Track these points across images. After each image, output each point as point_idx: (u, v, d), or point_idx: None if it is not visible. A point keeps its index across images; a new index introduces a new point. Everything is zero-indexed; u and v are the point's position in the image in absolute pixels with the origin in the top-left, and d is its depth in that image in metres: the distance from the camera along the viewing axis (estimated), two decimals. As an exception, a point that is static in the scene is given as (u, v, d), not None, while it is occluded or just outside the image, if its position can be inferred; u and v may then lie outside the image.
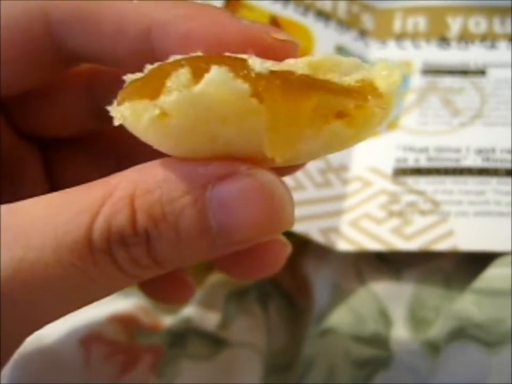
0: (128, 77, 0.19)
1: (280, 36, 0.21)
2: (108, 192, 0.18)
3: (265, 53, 0.19)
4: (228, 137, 0.18)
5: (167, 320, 0.32)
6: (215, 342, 0.31)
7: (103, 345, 0.30)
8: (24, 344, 0.29)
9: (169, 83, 0.17)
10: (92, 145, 0.28)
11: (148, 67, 0.19)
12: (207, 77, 0.16)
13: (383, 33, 0.43)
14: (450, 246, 0.32)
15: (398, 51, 0.42)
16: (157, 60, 0.20)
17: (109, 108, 0.18)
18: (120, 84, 0.19)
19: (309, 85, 0.18)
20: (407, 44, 0.42)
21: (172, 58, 0.19)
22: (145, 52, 0.22)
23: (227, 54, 0.19)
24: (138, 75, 0.19)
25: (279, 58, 0.19)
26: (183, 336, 0.31)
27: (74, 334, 0.30)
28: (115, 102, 0.18)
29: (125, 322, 0.31)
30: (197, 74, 0.16)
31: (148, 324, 0.32)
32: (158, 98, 0.17)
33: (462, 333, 0.28)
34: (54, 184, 0.28)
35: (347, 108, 0.18)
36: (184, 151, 0.18)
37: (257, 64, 0.17)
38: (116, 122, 0.18)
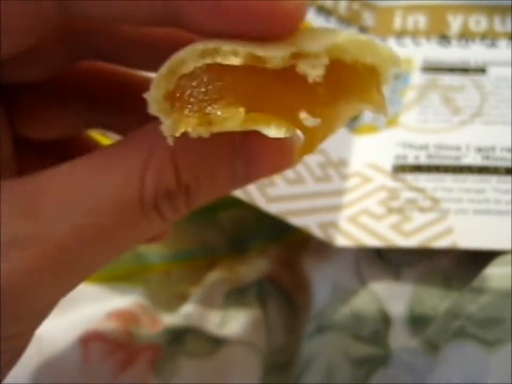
0: (155, 77, 0.19)
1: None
2: (148, 154, 0.20)
3: (286, 20, 0.19)
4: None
5: (166, 318, 0.32)
6: (214, 340, 0.31)
7: (101, 343, 0.30)
8: None
9: (221, 116, 0.18)
10: (59, 89, 0.26)
11: (172, 58, 0.18)
12: (267, 131, 0.18)
13: (383, 30, 0.43)
14: (449, 244, 0.32)
15: (398, 48, 0.42)
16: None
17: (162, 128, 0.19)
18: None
19: (334, 93, 0.19)
20: (407, 41, 0.42)
21: (198, 46, 0.18)
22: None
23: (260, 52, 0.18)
24: (164, 71, 0.18)
25: (292, 23, 0.19)
26: (182, 334, 0.31)
27: (73, 331, 0.30)
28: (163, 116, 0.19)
29: (123, 320, 0.31)
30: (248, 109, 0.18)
31: (146, 322, 0.32)
32: (209, 125, 0.18)
33: (461, 331, 0.28)
34: (20, 133, 0.26)
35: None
36: None
37: (308, 122, 0.18)
38: (171, 142, 0.19)
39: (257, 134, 0.19)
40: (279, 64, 0.18)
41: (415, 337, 0.30)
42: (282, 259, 0.35)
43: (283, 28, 0.19)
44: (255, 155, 0.21)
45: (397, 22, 0.43)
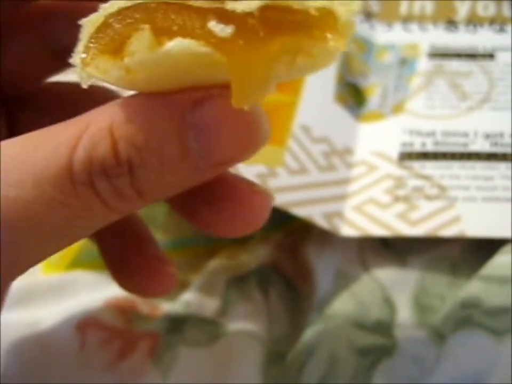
0: (84, 22, 0.18)
1: None
2: (85, 126, 0.18)
3: None
4: (196, 79, 0.18)
5: (165, 306, 0.31)
6: (214, 328, 0.30)
7: (99, 330, 0.30)
8: (20, 329, 0.29)
9: (131, 46, 0.17)
10: (53, 103, 0.27)
11: (102, 7, 0.18)
12: (169, 44, 0.17)
13: (389, 16, 0.43)
14: (457, 232, 0.31)
15: (404, 34, 0.41)
16: None
17: (75, 71, 0.18)
18: (75, 19, 0.18)
19: (270, 29, 0.18)
20: (414, 26, 0.42)
21: None
22: None
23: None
24: (94, 18, 0.18)
25: None
26: (181, 322, 0.30)
27: (70, 319, 0.30)
28: (77, 64, 0.18)
29: (122, 307, 0.31)
30: (159, 34, 0.17)
31: (145, 309, 0.31)
32: (122, 59, 0.17)
33: (469, 320, 0.28)
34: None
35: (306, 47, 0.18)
36: (155, 90, 0.19)
37: (217, 29, 0.17)
38: (84, 85, 0.18)
39: (209, 100, 0.18)
40: (202, 3, 0.17)
41: (421, 326, 0.30)
42: (284, 246, 0.34)
43: None
44: (208, 125, 0.18)
45: (403, 7, 0.43)
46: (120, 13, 0.18)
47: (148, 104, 0.18)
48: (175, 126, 0.18)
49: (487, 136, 0.35)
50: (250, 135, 0.19)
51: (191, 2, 0.18)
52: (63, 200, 0.18)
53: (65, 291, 0.31)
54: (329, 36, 0.18)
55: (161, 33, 0.17)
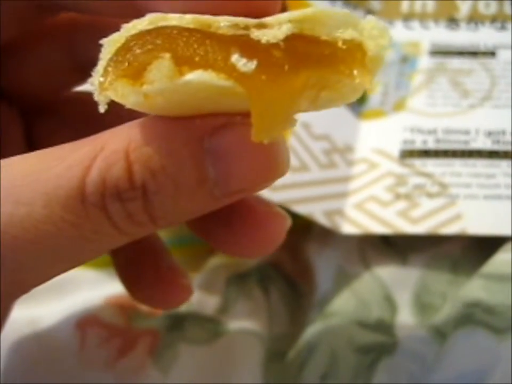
0: (105, 42, 0.18)
1: None
2: (100, 147, 0.18)
3: None
4: (216, 106, 0.18)
5: (166, 304, 0.31)
6: (214, 326, 0.30)
7: (99, 328, 0.30)
8: (20, 328, 0.29)
9: (150, 74, 0.16)
10: (74, 115, 0.27)
11: (125, 27, 0.18)
12: (189, 75, 0.16)
13: (390, 13, 0.42)
14: (458, 230, 0.31)
15: (405, 31, 0.41)
16: (134, 5, 0.20)
17: (94, 95, 0.18)
18: (101, 35, 0.18)
19: (296, 62, 0.17)
20: (415, 24, 0.42)
21: (148, 16, 0.17)
22: None
23: (202, 17, 0.17)
24: (116, 37, 0.18)
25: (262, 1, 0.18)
26: (181, 320, 0.30)
27: (70, 317, 0.30)
28: (95, 87, 0.18)
29: (122, 305, 0.31)
30: (179, 63, 0.16)
31: (145, 307, 0.31)
32: (141, 85, 0.17)
33: (470, 318, 0.28)
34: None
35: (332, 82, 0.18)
36: (174, 114, 0.18)
37: (240, 64, 0.17)
38: (102, 109, 0.17)
39: (229, 128, 0.17)
40: (226, 30, 0.17)
41: (422, 324, 0.30)
42: (285, 244, 0.33)
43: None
44: (226, 153, 0.18)
45: (404, 5, 0.43)
46: (142, 36, 0.17)
47: (166, 127, 0.18)
48: (192, 151, 0.18)
49: (489, 133, 0.35)
50: (269, 166, 0.18)
51: (214, 30, 0.17)
52: (73, 221, 0.18)
53: (65, 289, 0.31)
54: (356, 71, 0.17)
55: (182, 63, 0.16)
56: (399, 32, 0.41)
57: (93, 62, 0.18)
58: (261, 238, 0.24)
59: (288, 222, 0.24)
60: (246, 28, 0.17)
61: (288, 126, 0.17)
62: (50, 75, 0.26)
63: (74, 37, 0.26)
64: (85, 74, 0.22)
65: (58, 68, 0.26)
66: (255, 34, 0.17)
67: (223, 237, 0.24)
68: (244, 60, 0.16)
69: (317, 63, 0.17)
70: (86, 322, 0.30)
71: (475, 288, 0.29)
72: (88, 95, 0.18)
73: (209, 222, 0.24)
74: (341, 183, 0.34)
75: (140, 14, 0.17)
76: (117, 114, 0.18)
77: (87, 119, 0.24)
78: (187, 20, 0.17)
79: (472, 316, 0.28)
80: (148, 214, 0.18)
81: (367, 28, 0.18)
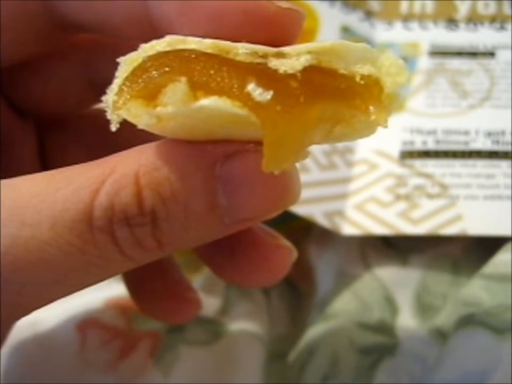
0: (122, 60, 0.18)
1: (283, 3, 0.20)
2: (109, 170, 0.17)
3: (267, 23, 0.19)
4: (229, 132, 0.18)
5: (166, 306, 0.31)
6: (215, 328, 0.30)
7: (100, 330, 0.29)
8: (20, 330, 0.29)
9: (165, 97, 0.16)
10: (88, 132, 0.27)
11: (142, 47, 0.18)
12: (204, 101, 0.16)
13: (390, 14, 0.42)
14: (458, 231, 0.31)
15: (404, 32, 0.41)
16: (154, 28, 0.20)
17: (107, 114, 0.18)
18: (118, 56, 0.18)
19: (312, 94, 0.17)
20: (414, 25, 0.42)
21: (167, 38, 0.17)
22: (141, 18, 0.21)
23: (222, 43, 0.17)
24: (133, 57, 0.17)
25: (282, 30, 0.18)
26: (182, 321, 0.30)
27: (70, 319, 0.30)
28: (109, 106, 0.18)
29: (122, 307, 0.30)
30: (195, 88, 0.16)
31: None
32: (155, 107, 0.17)
33: (471, 319, 0.27)
34: (46, 168, 0.27)
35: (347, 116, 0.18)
36: (186, 138, 0.18)
37: (256, 93, 0.16)
38: (113, 128, 0.17)
39: (242, 156, 0.17)
40: (245, 58, 0.17)
41: (423, 325, 0.30)
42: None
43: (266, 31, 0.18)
44: (238, 181, 0.18)
45: (404, 6, 0.43)
46: (159, 58, 0.17)
47: (177, 153, 0.18)
48: (204, 178, 0.17)
49: (489, 134, 0.35)
50: (280, 195, 0.18)
51: (232, 56, 0.17)
52: (79, 246, 0.17)
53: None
54: (371, 108, 0.17)
55: (197, 88, 0.16)
56: (398, 33, 0.41)
57: (110, 82, 0.17)
58: (265, 270, 0.24)
59: (294, 255, 0.24)
60: (265, 56, 0.17)
61: (300, 159, 0.17)
62: (68, 92, 0.26)
63: (93, 56, 0.26)
64: (101, 93, 0.22)
65: (76, 86, 0.26)
66: (273, 63, 0.17)
67: (227, 266, 0.24)
68: (260, 90, 0.16)
69: (333, 97, 0.17)
70: (87, 324, 0.30)
71: (475, 289, 0.29)
72: (103, 113, 0.18)
73: (213, 250, 0.24)
74: (341, 184, 0.34)
75: (159, 37, 0.17)
76: (131, 134, 0.18)
77: (100, 137, 0.24)
78: (206, 44, 0.17)
79: (473, 317, 0.27)
80: (156, 239, 0.18)
81: (385, 65, 0.18)
